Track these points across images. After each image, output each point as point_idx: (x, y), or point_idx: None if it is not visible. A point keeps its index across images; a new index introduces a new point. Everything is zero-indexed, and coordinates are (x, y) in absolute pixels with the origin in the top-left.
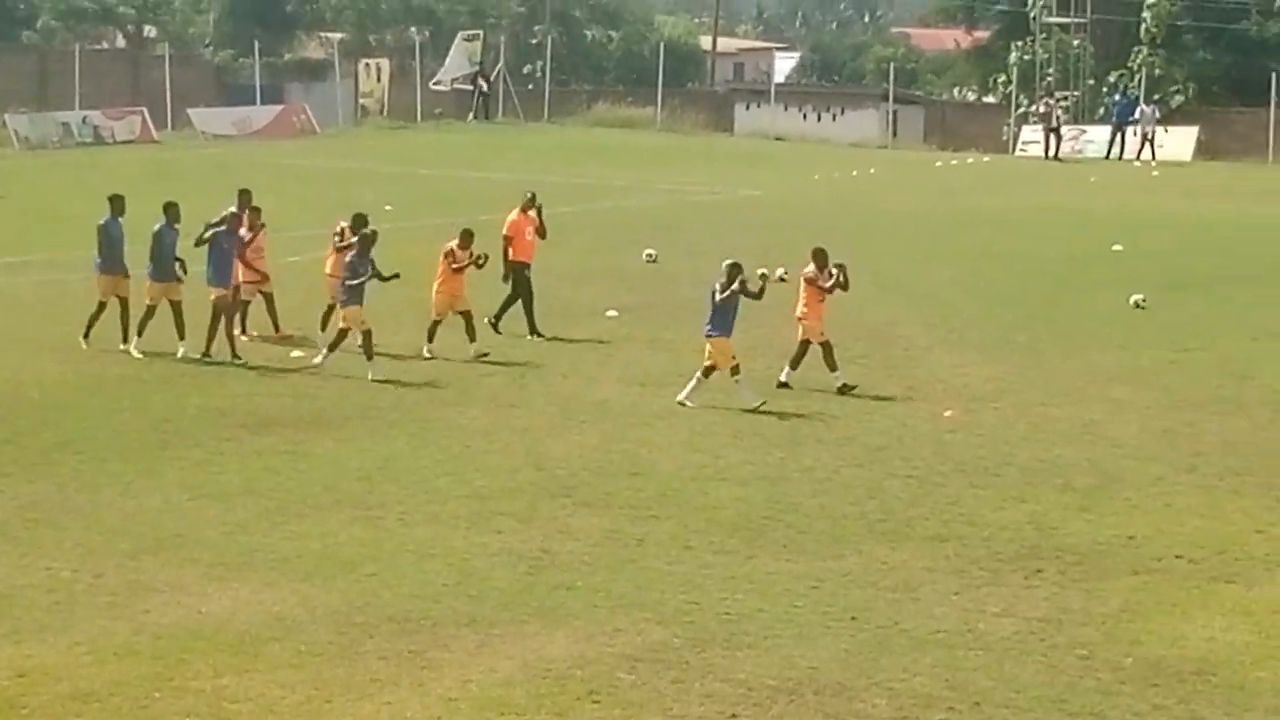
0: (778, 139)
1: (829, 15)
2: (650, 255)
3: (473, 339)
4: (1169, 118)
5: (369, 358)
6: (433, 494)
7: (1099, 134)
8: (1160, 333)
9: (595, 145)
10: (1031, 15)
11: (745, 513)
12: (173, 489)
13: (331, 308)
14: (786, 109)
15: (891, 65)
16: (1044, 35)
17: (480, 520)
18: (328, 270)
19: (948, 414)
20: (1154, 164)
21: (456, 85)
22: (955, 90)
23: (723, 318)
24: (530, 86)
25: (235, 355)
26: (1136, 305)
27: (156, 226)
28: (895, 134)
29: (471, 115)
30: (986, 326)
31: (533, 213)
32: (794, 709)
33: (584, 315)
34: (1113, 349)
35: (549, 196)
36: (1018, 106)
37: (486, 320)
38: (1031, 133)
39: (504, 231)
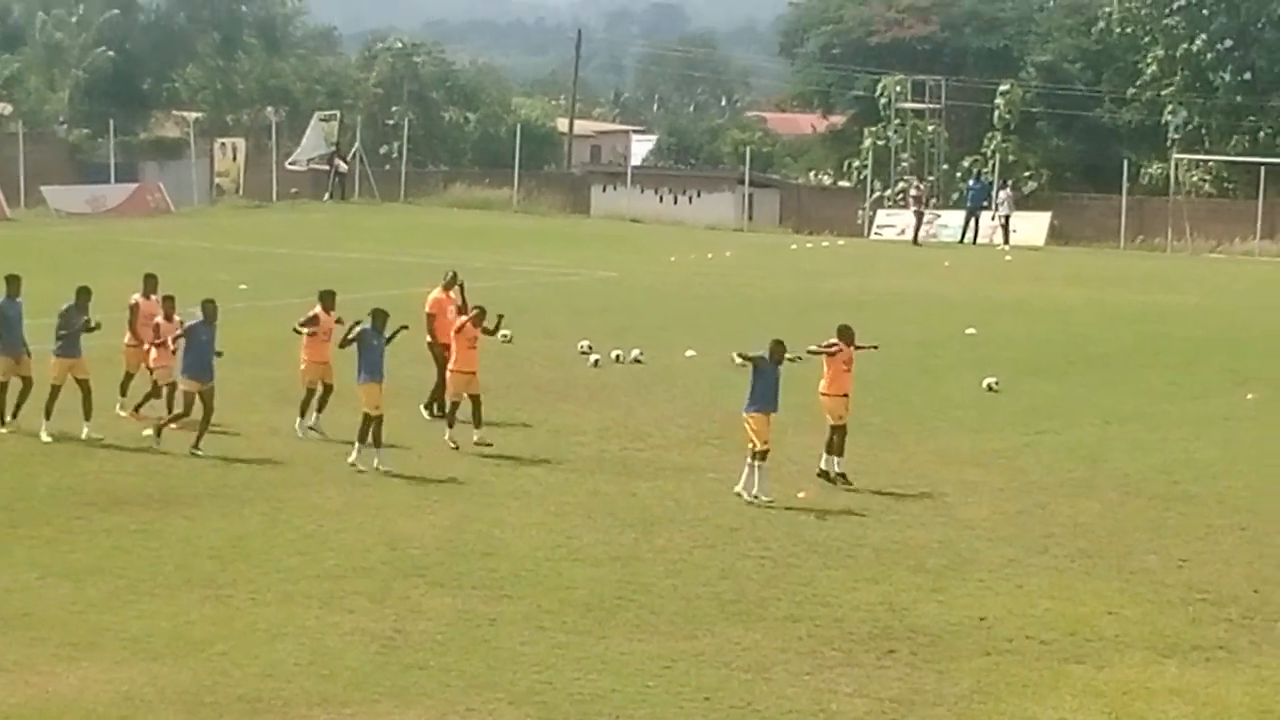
0: (634, 221)
1: (686, 98)
2: (506, 336)
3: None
4: (1023, 203)
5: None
6: (285, 573)
7: (953, 219)
8: (1013, 416)
9: (452, 226)
10: (883, 101)
11: (599, 593)
12: (21, 567)
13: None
14: (643, 191)
15: (748, 149)
16: (899, 121)
17: (333, 599)
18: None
19: (801, 495)
20: (1007, 249)
21: (312, 165)
22: (811, 174)
23: (762, 394)
24: (387, 167)
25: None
26: (989, 388)
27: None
28: (751, 217)
29: (328, 195)
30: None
31: (454, 292)
32: None
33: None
34: (966, 432)
35: (406, 278)
36: (872, 191)
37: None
38: (887, 216)
39: (427, 309)
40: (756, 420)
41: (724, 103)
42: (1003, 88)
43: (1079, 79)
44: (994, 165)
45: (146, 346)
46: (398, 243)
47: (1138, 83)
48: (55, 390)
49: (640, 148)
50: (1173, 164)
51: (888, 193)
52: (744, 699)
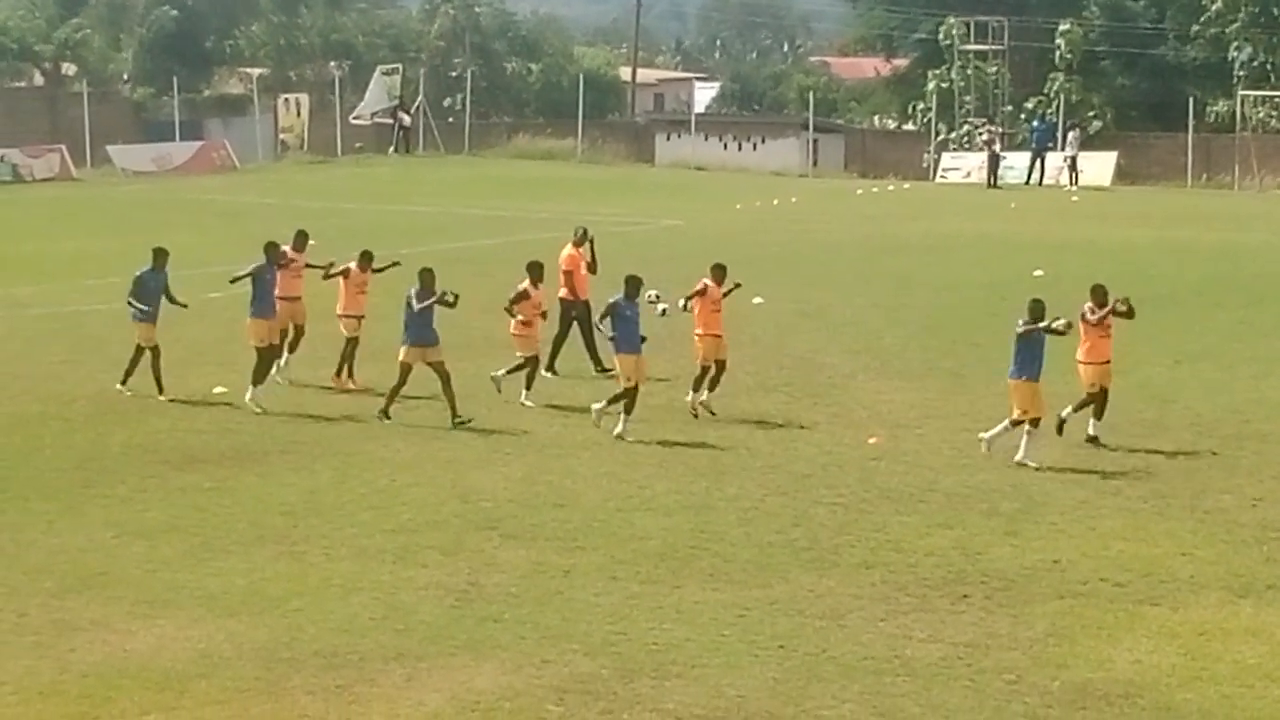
0: (698, 169)
1: (748, 45)
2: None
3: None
4: (1088, 143)
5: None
6: (358, 528)
7: (1019, 160)
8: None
9: (516, 178)
10: (948, 44)
11: (671, 542)
12: (96, 527)
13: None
14: (707, 139)
15: (811, 94)
16: (961, 63)
17: (406, 554)
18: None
19: (872, 441)
20: (1074, 190)
21: (376, 119)
22: (875, 118)
23: (1026, 358)
24: (450, 120)
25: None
26: (1058, 331)
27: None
28: (816, 162)
29: (392, 149)
30: (910, 353)
31: (584, 248)
32: None
33: (507, 347)
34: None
35: (470, 230)
36: (937, 134)
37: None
38: (952, 159)
39: (562, 266)
40: (1020, 388)
41: (786, 48)
42: (1063, 27)
43: (1143, 16)
44: (1058, 106)
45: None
46: (463, 195)
47: (1202, 19)
48: (142, 352)
49: (703, 95)
50: (1239, 100)
51: (953, 135)
52: (819, 646)
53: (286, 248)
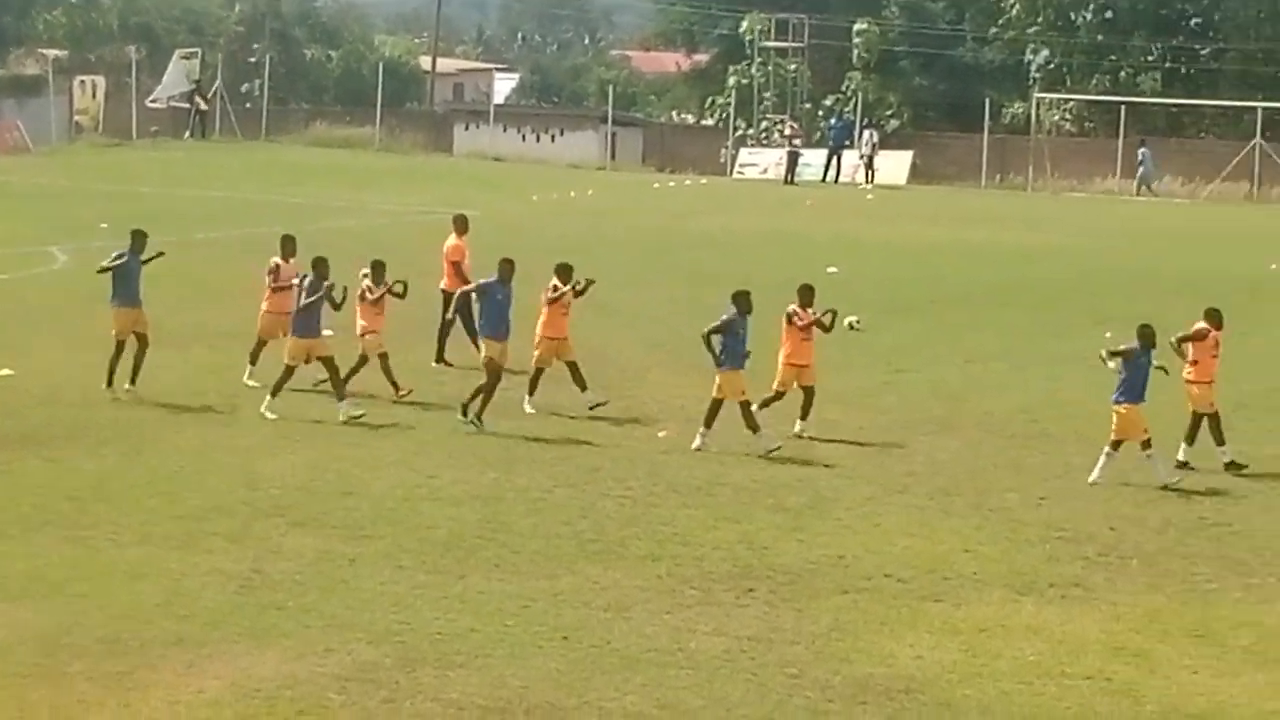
0: (497, 159)
1: (549, 36)
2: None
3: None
4: (884, 142)
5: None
6: (145, 514)
7: (816, 158)
8: (874, 355)
9: (313, 165)
10: (748, 40)
11: (458, 532)
12: None
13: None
14: (506, 130)
15: (611, 87)
16: (762, 60)
17: (192, 540)
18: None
19: (662, 434)
20: (870, 188)
21: (173, 103)
22: (674, 113)
23: (1131, 384)
24: (248, 105)
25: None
26: (851, 327)
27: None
28: (614, 155)
29: (188, 133)
30: (703, 348)
31: (467, 238)
32: None
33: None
34: (828, 370)
35: (265, 217)
36: (735, 130)
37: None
38: (749, 155)
39: (447, 257)
40: (1126, 411)
41: (587, 41)
42: (860, 26)
43: (941, 17)
44: (855, 104)
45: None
46: (259, 182)
47: (1000, 21)
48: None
49: (503, 85)
50: (1034, 103)
51: (751, 132)
52: (603, 638)
53: (276, 259)
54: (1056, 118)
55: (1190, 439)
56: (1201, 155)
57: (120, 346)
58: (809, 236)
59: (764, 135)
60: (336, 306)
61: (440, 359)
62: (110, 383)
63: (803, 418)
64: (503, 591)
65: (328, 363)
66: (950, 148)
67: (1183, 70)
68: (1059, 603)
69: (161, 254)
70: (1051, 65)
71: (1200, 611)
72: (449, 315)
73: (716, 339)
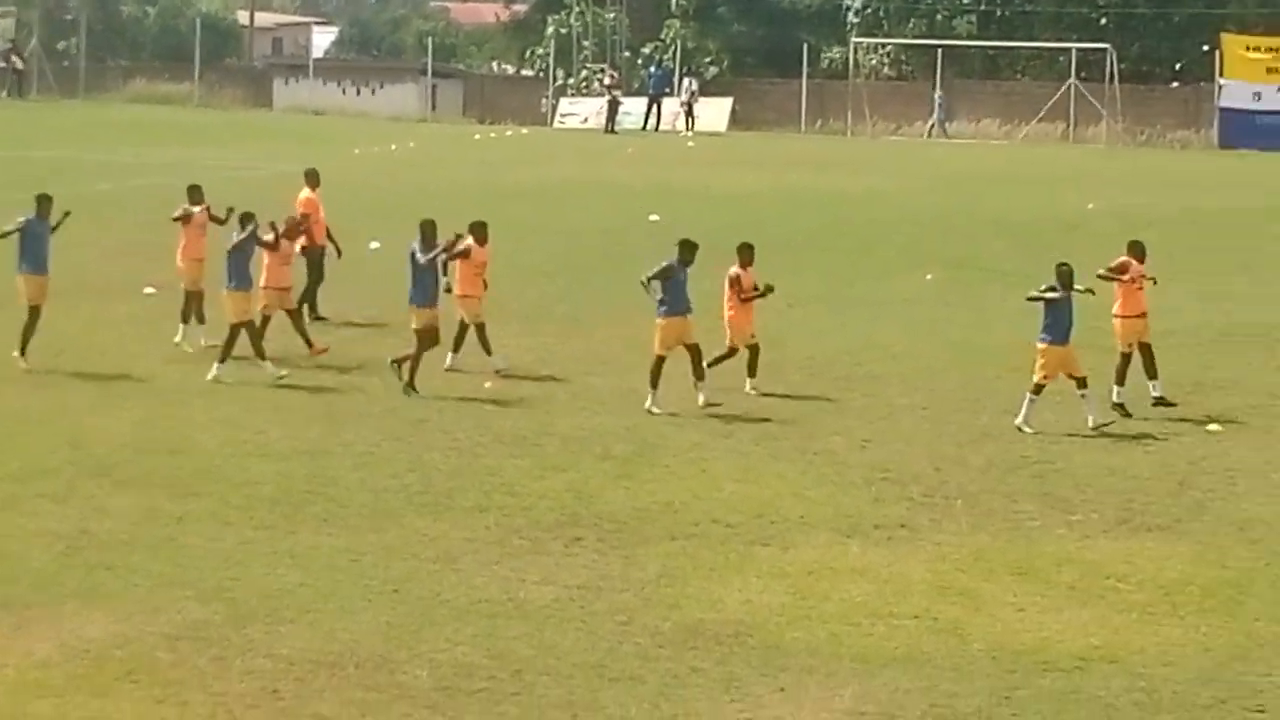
0: (317, 113)
1: None
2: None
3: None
4: (704, 89)
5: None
6: None
7: (636, 106)
8: (696, 300)
9: (132, 122)
10: None
11: (286, 488)
12: None
13: None
14: (326, 83)
15: (430, 39)
16: (580, 9)
17: (15, 502)
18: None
19: (488, 385)
20: (690, 135)
21: None
22: (494, 64)
23: (1055, 324)
24: (65, 63)
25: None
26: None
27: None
28: (435, 107)
29: (4, 92)
30: (527, 298)
31: (320, 190)
32: (336, 682)
33: (123, 292)
34: (650, 318)
35: (87, 175)
36: (555, 80)
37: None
38: (570, 105)
39: (299, 210)
40: (1050, 350)
41: None
42: None
43: None
44: (674, 52)
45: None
46: (78, 140)
47: None
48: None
49: (322, 39)
50: (851, 48)
51: (571, 81)
52: (432, 590)
53: (185, 206)
54: (874, 62)
55: (1121, 379)
56: (1018, 97)
57: (35, 312)
58: (630, 185)
59: (584, 85)
60: (273, 247)
61: (314, 314)
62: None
63: (751, 375)
64: (331, 546)
65: (259, 323)
66: (770, 94)
67: (998, 13)
68: (885, 544)
69: (68, 214)
70: (868, 10)
71: (1024, 549)
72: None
73: (655, 284)
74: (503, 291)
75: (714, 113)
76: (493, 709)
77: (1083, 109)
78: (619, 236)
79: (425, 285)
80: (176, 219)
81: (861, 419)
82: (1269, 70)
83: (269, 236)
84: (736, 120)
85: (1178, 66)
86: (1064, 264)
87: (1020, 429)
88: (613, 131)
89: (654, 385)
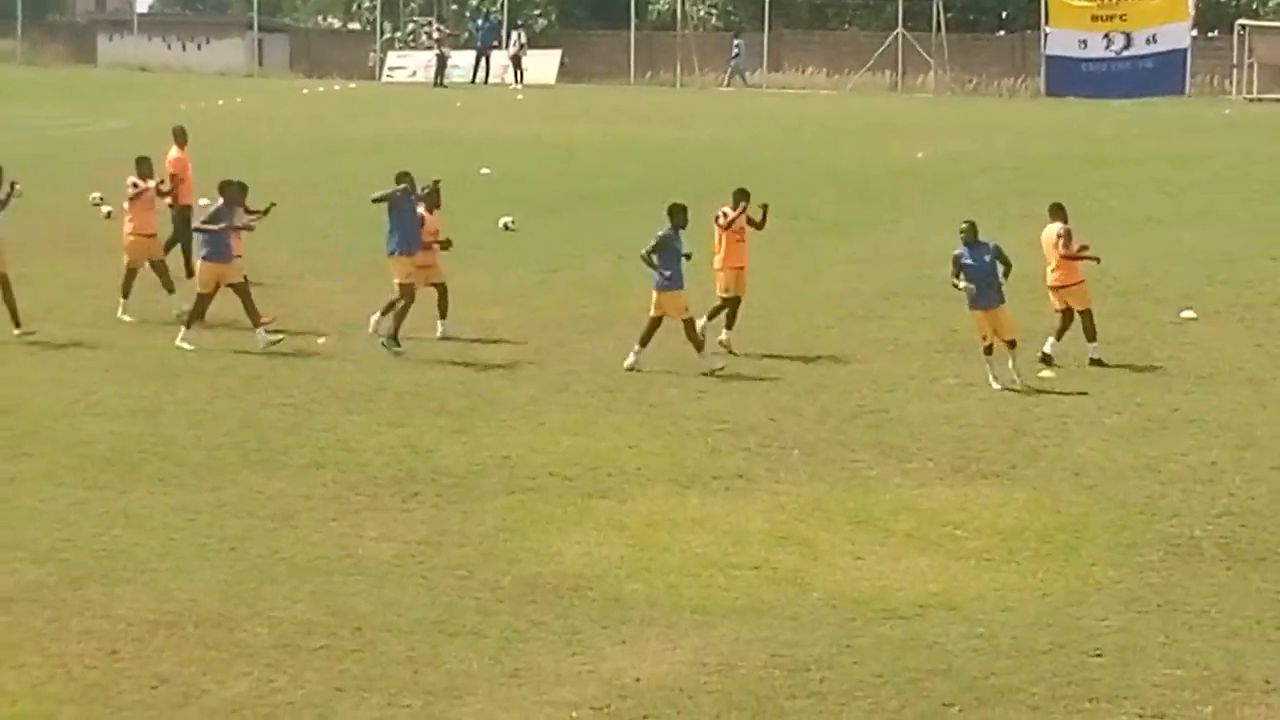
0: (142, 69)
1: None
2: (17, 189)
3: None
4: (532, 41)
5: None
6: None
7: (464, 59)
8: (529, 254)
9: None
10: None
11: (119, 447)
12: None
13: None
14: (151, 39)
15: None
16: None
17: None
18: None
19: (321, 341)
20: (519, 88)
21: None
22: (320, 17)
23: (980, 291)
24: None
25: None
26: (505, 227)
27: None
28: (261, 62)
29: None
30: (358, 253)
31: (187, 150)
32: (175, 642)
33: None
34: (484, 270)
35: None
36: (383, 33)
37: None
38: (398, 59)
39: (169, 170)
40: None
41: None
42: None
43: None
44: (502, 4)
45: None
46: None
47: None
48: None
49: None
50: None
51: (398, 35)
52: (270, 548)
53: (133, 178)
54: (701, 13)
55: (729, 323)
56: (845, 47)
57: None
58: (460, 138)
59: (411, 38)
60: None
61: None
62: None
63: (728, 327)
64: (166, 505)
65: (240, 289)
66: (598, 45)
67: None
68: (723, 495)
69: (15, 185)
70: None
71: (861, 498)
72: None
73: (656, 259)
74: (332, 247)
75: (543, 65)
76: (334, 666)
77: (910, 58)
78: (451, 190)
79: (402, 232)
80: (133, 198)
81: (696, 370)
82: (1094, 18)
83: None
84: (565, 72)
85: (1003, 15)
86: (967, 222)
87: (993, 387)
88: (441, 85)
89: (642, 344)
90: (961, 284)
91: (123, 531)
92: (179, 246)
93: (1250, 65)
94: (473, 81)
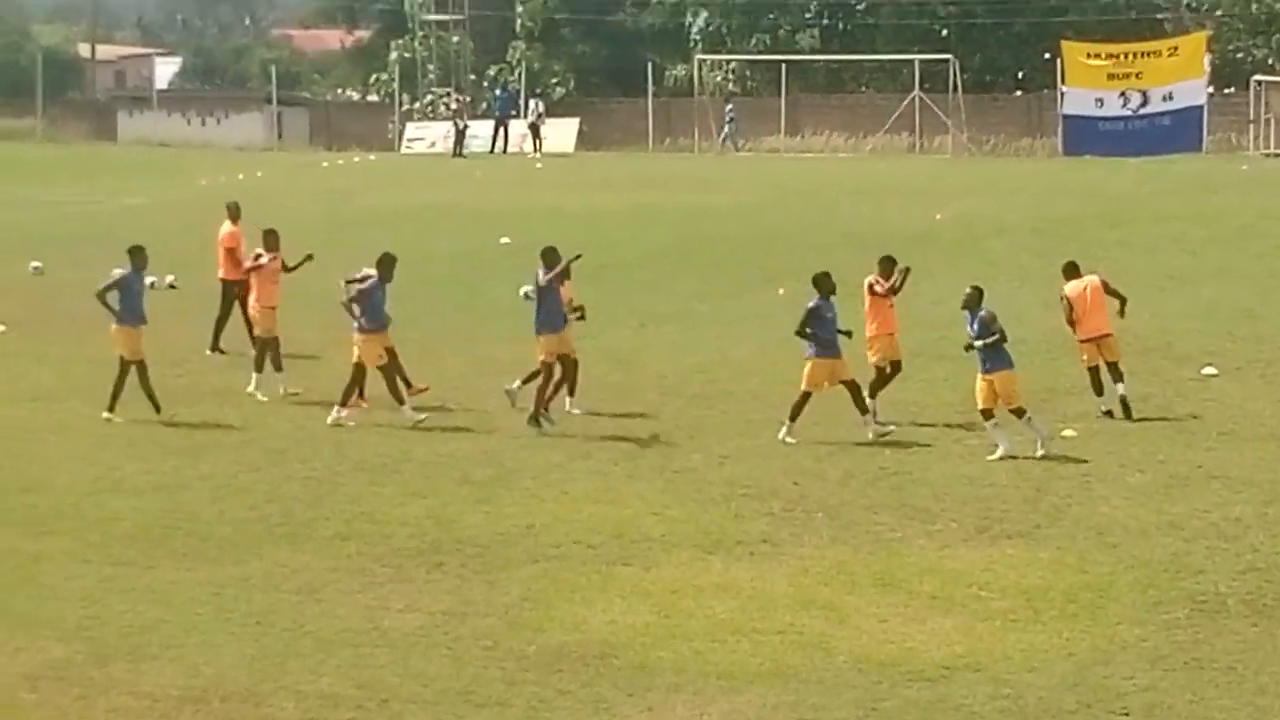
0: (162, 145)
1: (209, 19)
2: (36, 268)
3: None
4: (550, 110)
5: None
6: None
7: (483, 129)
8: None
9: None
10: (409, 13)
11: (143, 523)
12: None
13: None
14: (170, 114)
15: (274, 67)
16: (423, 33)
17: None
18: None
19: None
20: (538, 157)
21: None
22: (339, 90)
23: (994, 353)
24: None
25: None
26: (526, 297)
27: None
28: (281, 136)
29: None
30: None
31: (240, 225)
32: (201, 718)
33: None
34: (505, 341)
35: None
36: (401, 104)
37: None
38: (416, 130)
39: (223, 244)
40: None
41: (248, 22)
42: None
43: None
44: (520, 74)
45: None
46: None
47: None
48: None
49: (165, 70)
50: (695, 65)
51: (416, 106)
52: (295, 621)
53: (259, 250)
54: (719, 79)
55: (1098, 389)
56: (863, 109)
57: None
58: (480, 208)
59: (430, 109)
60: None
61: (215, 347)
62: None
63: (872, 396)
64: (192, 580)
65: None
66: (616, 113)
67: (840, 26)
68: (747, 559)
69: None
70: (711, 28)
71: (885, 561)
72: (227, 305)
73: (809, 329)
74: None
75: (561, 133)
76: None
77: (928, 120)
78: (470, 260)
79: (548, 311)
80: (250, 269)
81: (718, 436)
82: (1110, 76)
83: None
84: (584, 140)
85: (1020, 75)
86: (974, 287)
87: (1002, 458)
88: (460, 155)
89: (793, 419)
90: (979, 344)
91: (148, 608)
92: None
93: (1267, 120)
94: (491, 151)
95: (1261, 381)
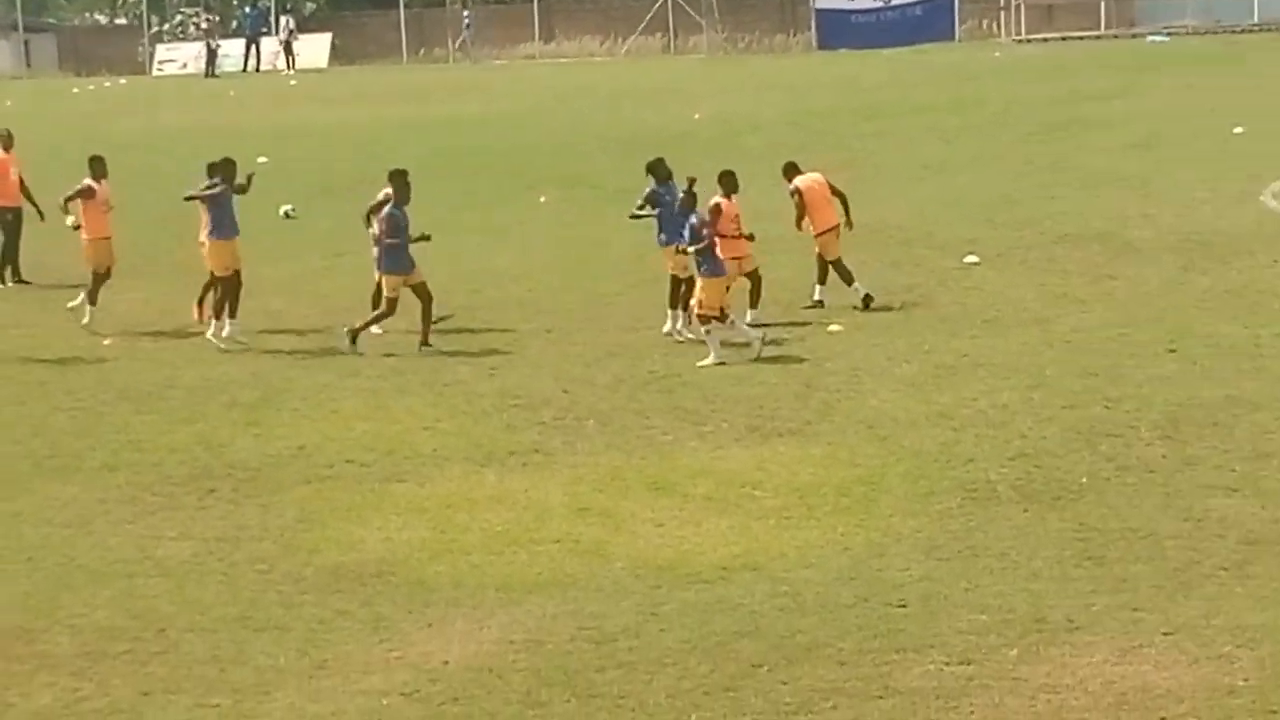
0: None
1: None
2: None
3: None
4: (302, 26)
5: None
6: None
7: (234, 48)
8: (311, 241)
9: None
10: None
11: None
12: None
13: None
14: None
15: None
16: None
17: None
18: None
19: (107, 342)
20: (291, 73)
21: None
22: (86, 14)
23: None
24: None
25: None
26: (286, 215)
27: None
28: (29, 63)
29: None
30: (140, 249)
31: (14, 153)
32: None
33: None
34: (267, 260)
35: None
36: (151, 26)
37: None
38: (168, 51)
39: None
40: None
41: None
42: None
43: None
44: None
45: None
46: None
47: None
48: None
49: None
50: None
51: (166, 27)
52: (67, 555)
53: (88, 180)
54: None
55: (847, 279)
56: (616, 13)
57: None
58: (236, 127)
59: (180, 30)
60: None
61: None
62: None
63: (753, 306)
64: None
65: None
66: (368, 26)
67: None
68: (521, 470)
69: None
70: None
71: (658, 465)
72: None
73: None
74: (116, 243)
75: (314, 49)
76: (139, 670)
77: (682, 20)
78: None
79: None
80: (71, 197)
81: (486, 346)
82: None
83: None
84: (337, 55)
85: None
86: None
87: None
88: (214, 75)
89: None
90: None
91: None
92: None
93: (1017, 7)
94: (244, 70)
95: (1023, 268)
